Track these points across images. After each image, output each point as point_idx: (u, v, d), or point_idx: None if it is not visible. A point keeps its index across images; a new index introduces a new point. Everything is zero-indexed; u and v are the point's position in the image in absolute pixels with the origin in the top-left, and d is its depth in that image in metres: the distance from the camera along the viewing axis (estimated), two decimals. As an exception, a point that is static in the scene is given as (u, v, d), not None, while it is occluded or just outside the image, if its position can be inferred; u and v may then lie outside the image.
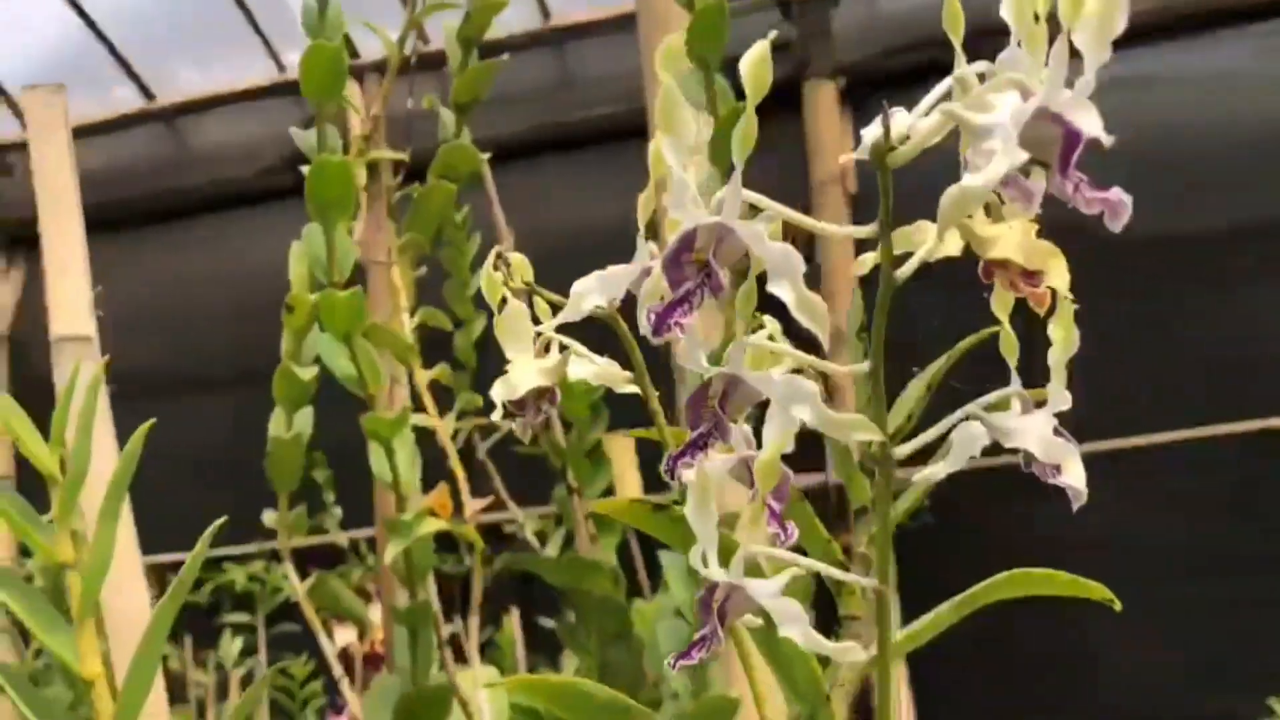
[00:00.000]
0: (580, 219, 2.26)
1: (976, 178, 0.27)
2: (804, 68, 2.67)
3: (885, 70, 2.62)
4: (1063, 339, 0.36)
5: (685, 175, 0.29)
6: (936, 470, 0.37)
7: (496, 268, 0.40)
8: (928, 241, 0.32)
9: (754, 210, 0.33)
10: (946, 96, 0.31)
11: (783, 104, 2.57)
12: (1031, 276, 0.34)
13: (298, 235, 1.01)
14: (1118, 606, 0.44)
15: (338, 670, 1.00)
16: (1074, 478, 0.34)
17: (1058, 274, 0.32)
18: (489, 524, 1.62)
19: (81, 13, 2.83)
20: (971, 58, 0.31)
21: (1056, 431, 0.36)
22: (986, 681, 2.32)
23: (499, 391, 0.39)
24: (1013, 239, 0.32)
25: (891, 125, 0.29)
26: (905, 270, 0.32)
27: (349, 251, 0.95)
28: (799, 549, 0.38)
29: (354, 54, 2.46)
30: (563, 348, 0.41)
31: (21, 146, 2.80)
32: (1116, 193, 0.28)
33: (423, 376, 1.04)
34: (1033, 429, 0.35)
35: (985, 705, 2.36)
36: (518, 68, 2.78)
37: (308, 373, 1.02)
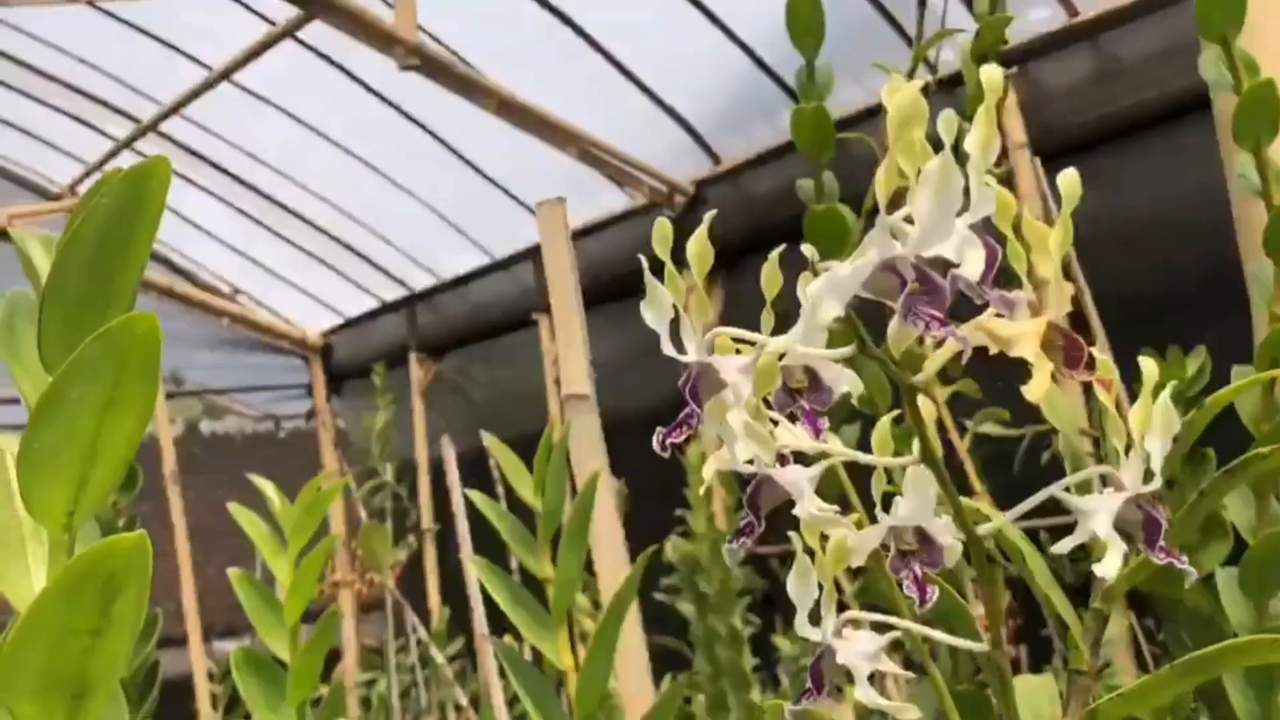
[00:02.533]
0: (1132, 207, 2.18)
1: (792, 332, 0.32)
2: None
3: None
4: (1140, 424, 0.36)
5: (693, 319, 0.36)
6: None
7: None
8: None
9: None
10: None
11: None
12: (1076, 368, 0.35)
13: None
14: None
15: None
16: (1104, 567, 0.35)
17: (1041, 374, 0.33)
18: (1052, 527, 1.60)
19: (749, 53, 3.17)
20: None
21: (1147, 513, 0.36)
22: None
23: (711, 465, 0.47)
24: (1029, 338, 0.34)
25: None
26: (921, 379, 0.36)
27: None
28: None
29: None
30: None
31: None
32: (953, 330, 0.30)
33: (940, 393, 1.10)
34: (1101, 510, 0.36)
35: None
36: (1054, 66, 2.66)
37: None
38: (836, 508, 0.39)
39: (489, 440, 0.76)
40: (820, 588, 0.40)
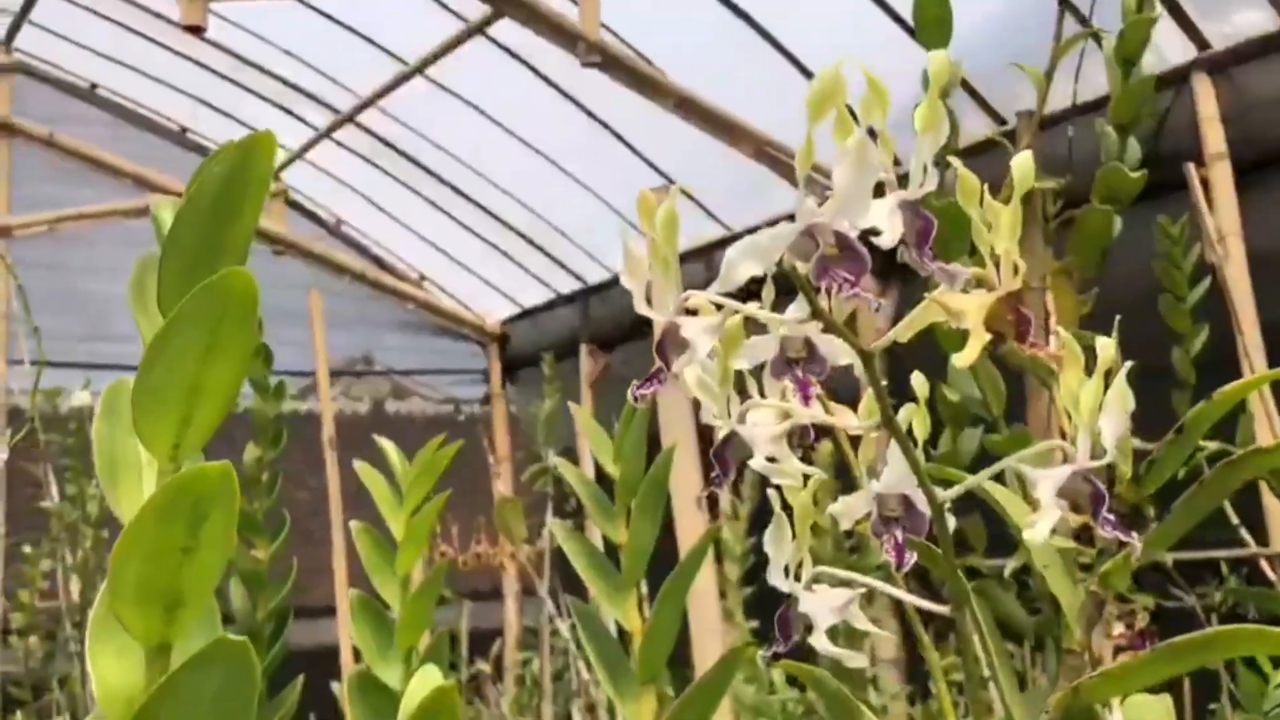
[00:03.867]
0: None
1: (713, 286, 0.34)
2: None
3: None
4: (1091, 403, 0.37)
5: (665, 281, 0.39)
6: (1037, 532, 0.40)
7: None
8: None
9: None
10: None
11: None
12: (1024, 342, 0.37)
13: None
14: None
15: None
16: (1035, 530, 0.36)
17: (974, 343, 0.35)
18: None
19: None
20: None
21: (1094, 486, 0.37)
22: None
23: (721, 430, 0.50)
24: (976, 310, 0.36)
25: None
26: (882, 344, 0.38)
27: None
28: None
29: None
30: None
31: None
32: (863, 287, 0.32)
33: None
34: (1047, 479, 0.37)
35: None
36: (1263, 73, 2.49)
37: (955, 394, 1.13)
38: (807, 467, 0.41)
39: (577, 413, 0.80)
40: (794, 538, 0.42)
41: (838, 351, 0.44)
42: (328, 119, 3.81)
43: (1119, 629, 1.75)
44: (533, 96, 3.53)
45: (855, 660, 0.41)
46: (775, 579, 0.43)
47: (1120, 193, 1.15)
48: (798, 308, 0.43)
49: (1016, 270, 0.36)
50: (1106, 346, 0.38)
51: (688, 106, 3.27)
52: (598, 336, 4.13)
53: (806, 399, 0.43)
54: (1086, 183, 1.18)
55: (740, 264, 0.35)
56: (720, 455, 0.41)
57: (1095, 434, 0.37)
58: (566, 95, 3.53)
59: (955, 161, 0.37)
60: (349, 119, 3.74)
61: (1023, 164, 0.36)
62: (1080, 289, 1.20)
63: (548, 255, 4.20)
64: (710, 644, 0.81)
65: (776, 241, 0.35)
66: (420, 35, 3.32)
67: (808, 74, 3.21)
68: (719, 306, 0.39)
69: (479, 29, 3.34)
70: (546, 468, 3.45)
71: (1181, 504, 0.45)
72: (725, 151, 3.32)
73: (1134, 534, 0.37)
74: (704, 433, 1.01)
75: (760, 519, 2.22)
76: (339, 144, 3.96)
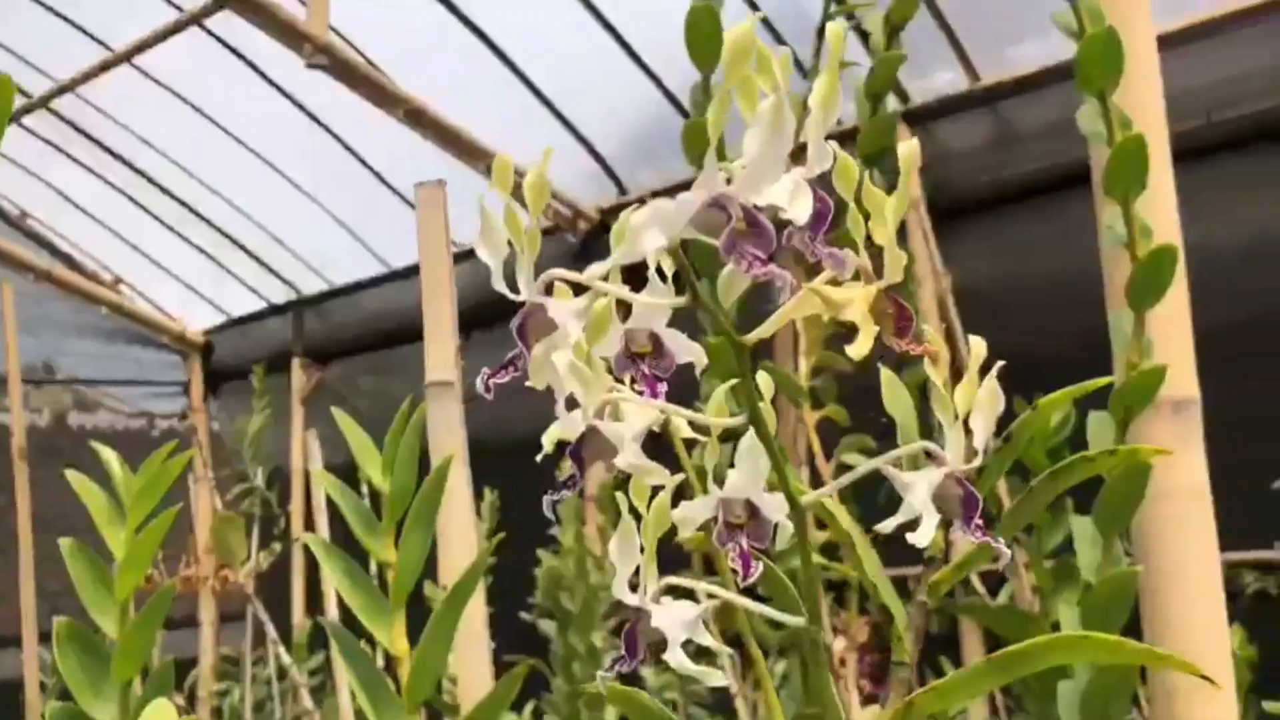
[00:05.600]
0: (1020, 271, 2.32)
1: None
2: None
3: None
4: (964, 403, 0.36)
5: (525, 257, 0.36)
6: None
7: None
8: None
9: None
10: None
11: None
12: (904, 337, 0.35)
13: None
14: (1214, 680, 0.42)
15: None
16: (919, 534, 0.35)
17: (864, 336, 0.33)
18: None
19: (664, 88, 3.19)
20: None
21: (966, 489, 0.36)
22: None
23: (551, 435, 0.46)
24: (860, 303, 0.34)
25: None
26: (753, 337, 0.36)
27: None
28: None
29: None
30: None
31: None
32: (773, 270, 0.30)
33: (810, 416, 1.11)
34: (920, 482, 0.36)
35: None
36: (955, 128, 2.76)
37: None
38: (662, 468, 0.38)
39: (340, 418, 0.74)
40: (642, 551, 0.39)
41: (683, 349, 0.42)
42: (16, 102, 3.48)
43: (841, 641, 1.81)
44: (253, 96, 3.35)
45: (714, 678, 0.39)
46: (621, 592, 0.40)
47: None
48: (650, 292, 0.40)
49: (898, 262, 0.35)
50: (978, 345, 0.37)
51: (417, 116, 3.19)
52: (312, 350, 3.96)
53: (655, 394, 0.40)
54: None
55: (645, 231, 0.32)
56: (577, 454, 0.38)
57: (968, 435, 0.36)
58: (290, 98, 3.37)
59: (834, 146, 0.35)
60: (42, 104, 3.42)
61: (908, 150, 0.35)
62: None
63: (260, 263, 3.99)
64: (477, 667, 0.76)
65: (682, 210, 0.31)
66: (130, 21, 3.09)
67: (545, 100, 3.21)
68: (577, 290, 0.36)
69: (196, 20, 3.14)
70: (254, 487, 3.26)
71: (1011, 511, 0.45)
72: (455, 168, 3.27)
73: (1001, 541, 0.36)
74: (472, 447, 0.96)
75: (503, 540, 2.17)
76: (28, 130, 3.62)
